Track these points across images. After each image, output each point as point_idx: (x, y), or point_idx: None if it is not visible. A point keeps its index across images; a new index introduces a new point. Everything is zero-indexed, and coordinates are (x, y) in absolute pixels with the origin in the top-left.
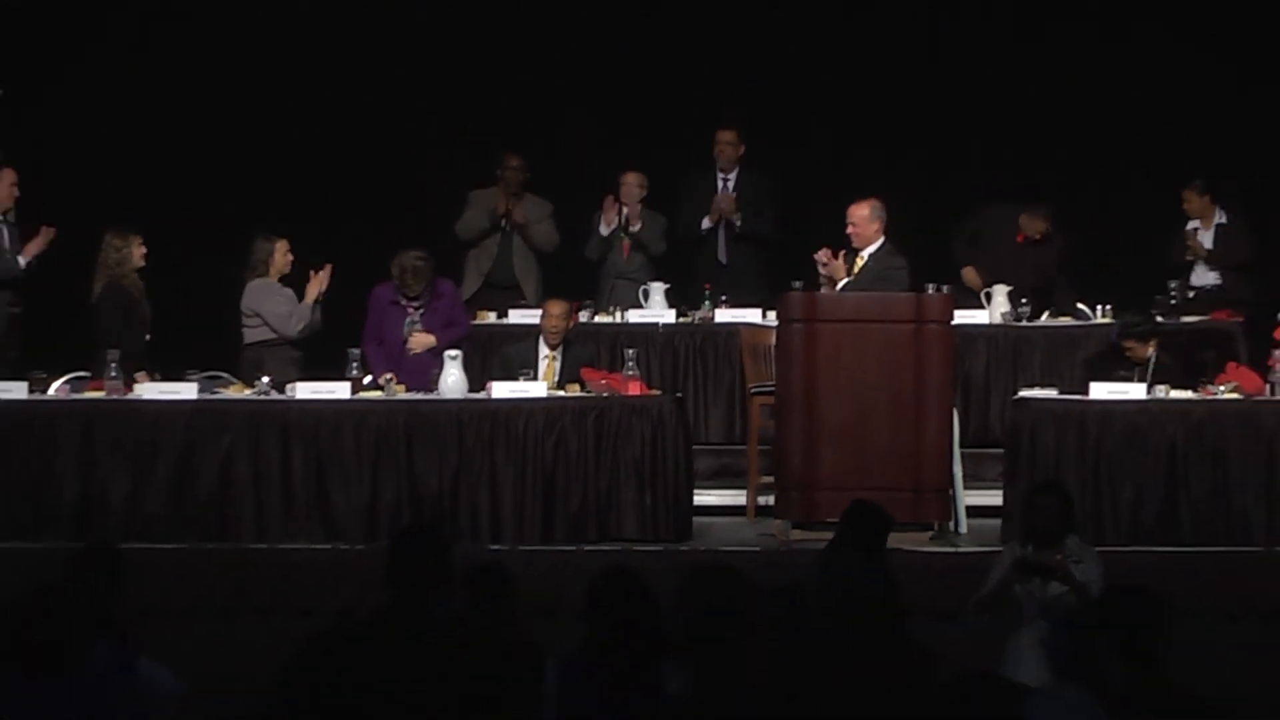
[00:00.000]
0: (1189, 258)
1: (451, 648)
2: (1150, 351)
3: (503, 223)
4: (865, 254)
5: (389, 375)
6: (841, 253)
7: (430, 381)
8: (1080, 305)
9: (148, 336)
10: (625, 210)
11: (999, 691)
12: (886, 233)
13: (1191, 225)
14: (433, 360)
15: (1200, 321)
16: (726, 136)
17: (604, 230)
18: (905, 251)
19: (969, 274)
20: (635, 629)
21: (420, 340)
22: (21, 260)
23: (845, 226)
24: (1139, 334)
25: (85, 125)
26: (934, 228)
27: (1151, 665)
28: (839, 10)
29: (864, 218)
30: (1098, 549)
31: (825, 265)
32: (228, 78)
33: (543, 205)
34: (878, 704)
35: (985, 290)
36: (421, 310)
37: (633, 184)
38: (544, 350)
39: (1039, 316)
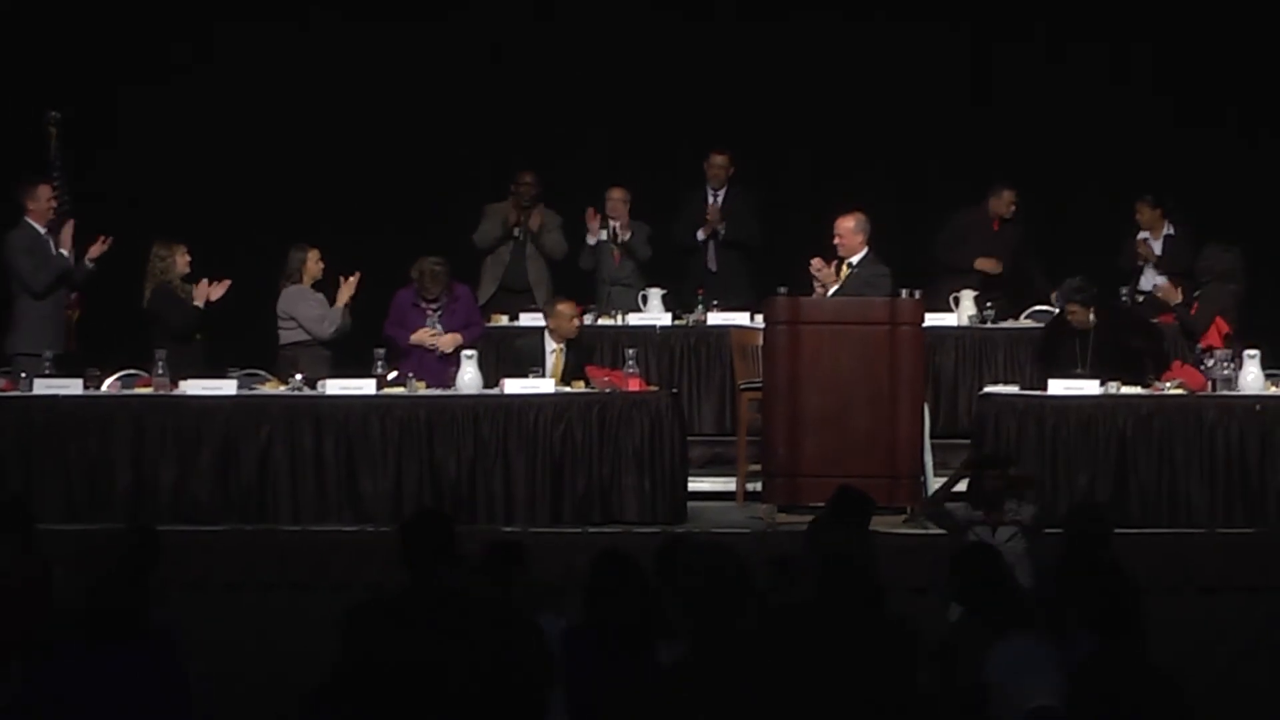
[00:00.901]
0: (1140, 263)
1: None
2: (1090, 318)
3: (515, 232)
4: (851, 263)
5: (410, 373)
6: (834, 262)
7: (448, 378)
8: (1053, 297)
9: (198, 336)
10: (615, 223)
11: None
12: (870, 243)
13: (1142, 235)
14: (451, 359)
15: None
16: (719, 160)
17: (591, 240)
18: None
19: (985, 263)
20: (629, 603)
21: (449, 340)
22: (88, 262)
23: (831, 238)
24: (1081, 299)
25: (137, 146)
26: (902, 237)
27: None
28: (819, 42)
29: (850, 230)
30: (1055, 530)
31: (819, 271)
32: (266, 103)
33: (553, 217)
34: (858, 663)
35: (954, 295)
36: (439, 312)
37: (618, 198)
38: (550, 345)
39: (1017, 315)
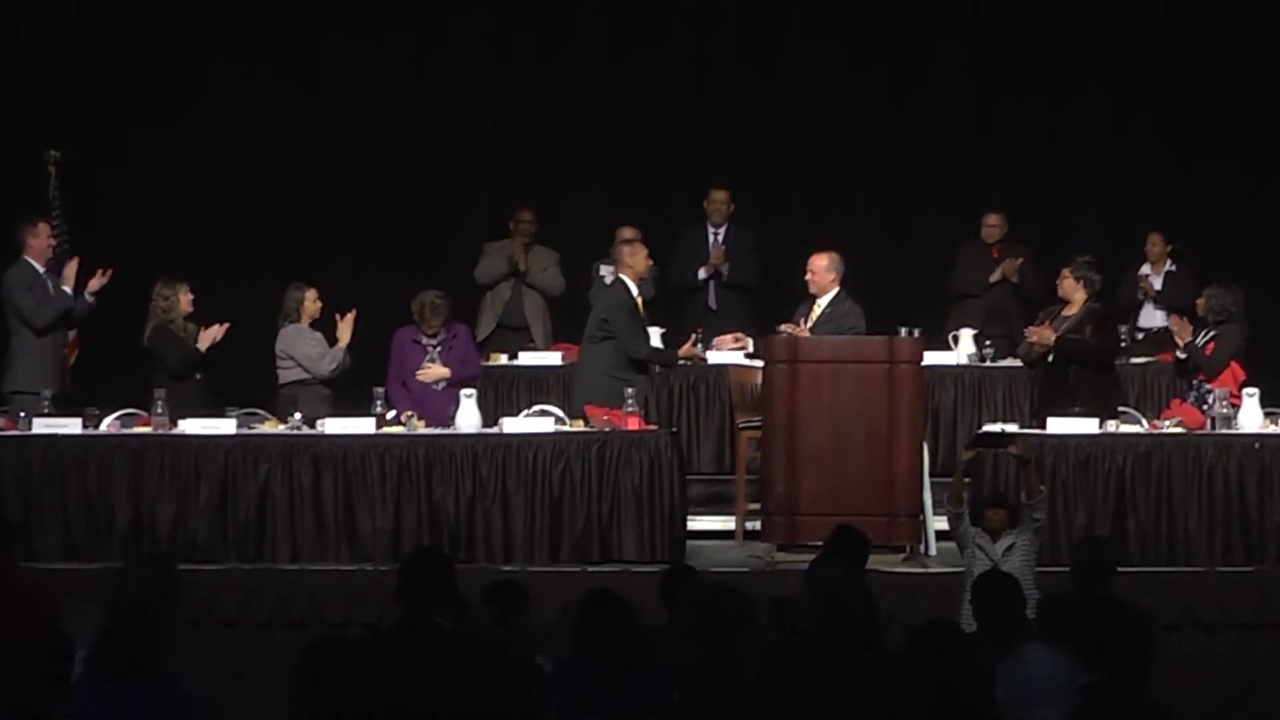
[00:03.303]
0: (1140, 296)
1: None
2: (1080, 296)
3: (518, 269)
4: (822, 302)
5: (410, 412)
6: (798, 322)
7: (448, 417)
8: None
9: (199, 376)
10: None
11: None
12: (842, 282)
13: (1143, 271)
14: (450, 398)
15: (1149, 362)
16: (720, 196)
17: (608, 278)
18: (875, 296)
19: (1007, 266)
20: (617, 637)
21: (434, 372)
22: (88, 296)
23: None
24: (1077, 273)
25: (135, 184)
26: (900, 274)
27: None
28: (814, 85)
29: (823, 268)
30: (1054, 568)
31: (791, 333)
32: (264, 141)
33: (550, 254)
34: (855, 695)
35: (954, 333)
36: (439, 348)
37: (626, 236)
38: (634, 289)
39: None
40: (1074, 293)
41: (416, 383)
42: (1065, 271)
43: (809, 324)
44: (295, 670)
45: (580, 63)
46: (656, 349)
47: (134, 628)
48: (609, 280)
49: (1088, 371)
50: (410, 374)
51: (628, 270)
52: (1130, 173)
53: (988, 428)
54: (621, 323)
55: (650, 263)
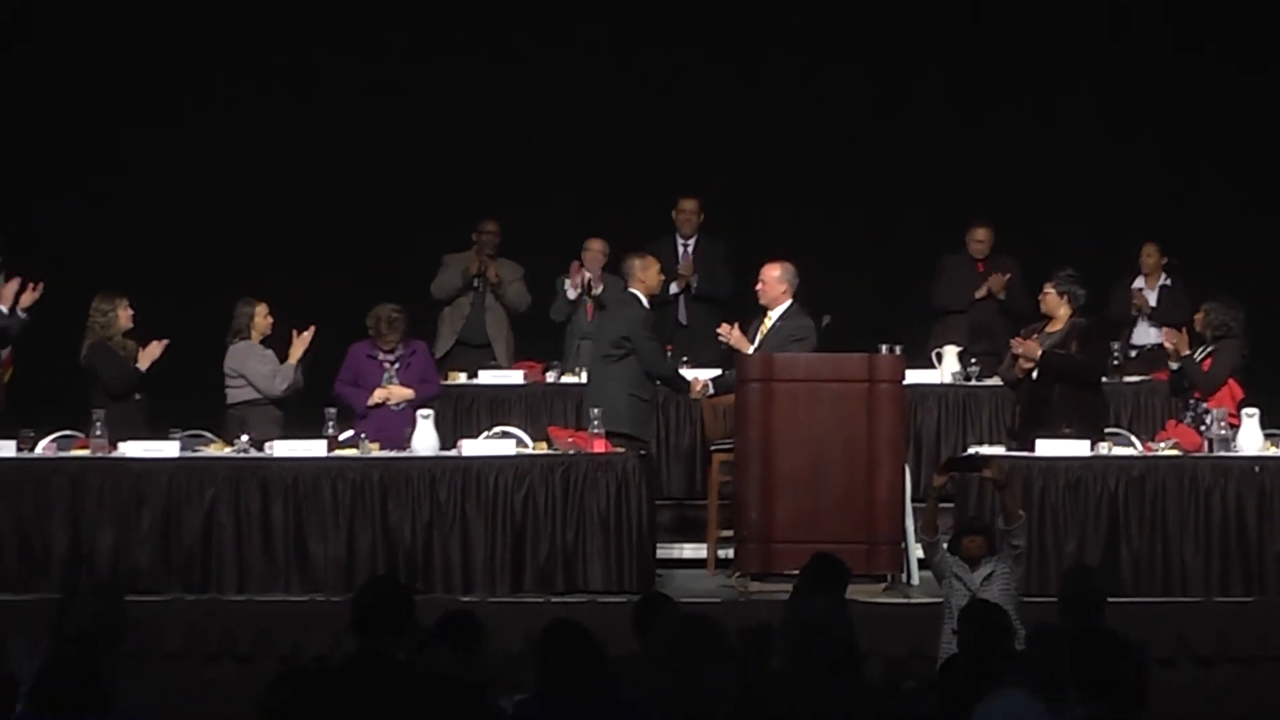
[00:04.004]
0: (1134, 312)
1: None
2: (1062, 312)
3: (475, 283)
4: (773, 315)
5: (363, 433)
6: (736, 324)
7: (404, 439)
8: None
9: (139, 396)
10: (588, 275)
11: None
12: (794, 294)
13: (1136, 285)
14: (406, 419)
15: (1142, 381)
16: (689, 205)
17: (571, 294)
18: (854, 311)
19: (993, 281)
20: (581, 670)
21: (397, 393)
22: (20, 313)
23: (804, 285)
24: (1059, 288)
25: (78, 195)
26: (881, 288)
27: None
28: (791, 87)
29: (774, 278)
30: (1042, 599)
31: (728, 336)
32: (211, 151)
33: (514, 268)
34: None
35: (937, 351)
36: (397, 365)
37: (597, 250)
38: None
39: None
40: (1058, 308)
41: (368, 394)
42: (1047, 286)
43: (759, 337)
44: (259, 704)
45: (545, 68)
46: (677, 370)
47: (78, 662)
48: (572, 295)
49: (1073, 390)
50: (364, 384)
51: (640, 285)
52: (1123, 182)
53: (973, 450)
54: (642, 339)
55: (663, 278)
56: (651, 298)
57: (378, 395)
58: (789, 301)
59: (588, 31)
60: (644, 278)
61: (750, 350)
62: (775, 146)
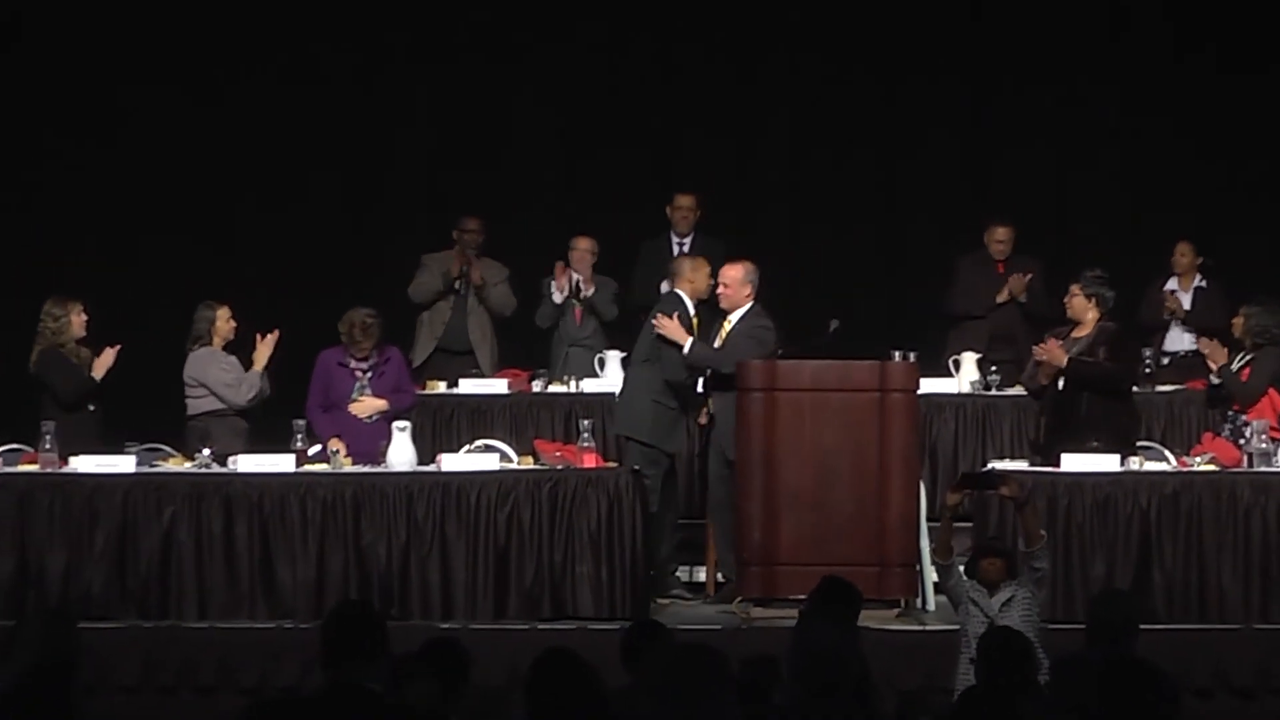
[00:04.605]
0: (1166, 316)
1: None
2: (1092, 316)
3: (456, 285)
4: (733, 318)
5: (336, 447)
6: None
7: (378, 454)
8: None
9: (92, 407)
10: (577, 276)
11: None
12: (757, 296)
13: (1169, 287)
14: (381, 431)
15: (1176, 390)
16: (686, 201)
17: (557, 297)
18: (864, 316)
19: (1014, 282)
20: (574, 704)
21: (369, 405)
22: None
23: (810, 287)
24: (1088, 290)
25: (29, 193)
26: (893, 291)
27: None
28: (791, 82)
29: (736, 279)
30: (1067, 626)
31: (660, 324)
32: (170, 146)
33: (498, 269)
34: None
35: (954, 358)
36: (370, 374)
37: (585, 249)
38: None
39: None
40: (1085, 312)
41: (344, 408)
42: (1074, 288)
43: (717, 344)
44: None
45: (530, 57)
46: (694, 388)
47: (36, 694)
48: (559, 299)
49: (1102, 399)
50: (336, 399)
51: (687, 286)
52: (1153, 175)
53: (993, 465)
54: (668, 344)
55: (711, 282)
56: (700, 301)
57: (354, 408)
58: (750, 304)
59: (576, 18)
60: (693, 279)
61: (688, 344)
62: (776, 139)
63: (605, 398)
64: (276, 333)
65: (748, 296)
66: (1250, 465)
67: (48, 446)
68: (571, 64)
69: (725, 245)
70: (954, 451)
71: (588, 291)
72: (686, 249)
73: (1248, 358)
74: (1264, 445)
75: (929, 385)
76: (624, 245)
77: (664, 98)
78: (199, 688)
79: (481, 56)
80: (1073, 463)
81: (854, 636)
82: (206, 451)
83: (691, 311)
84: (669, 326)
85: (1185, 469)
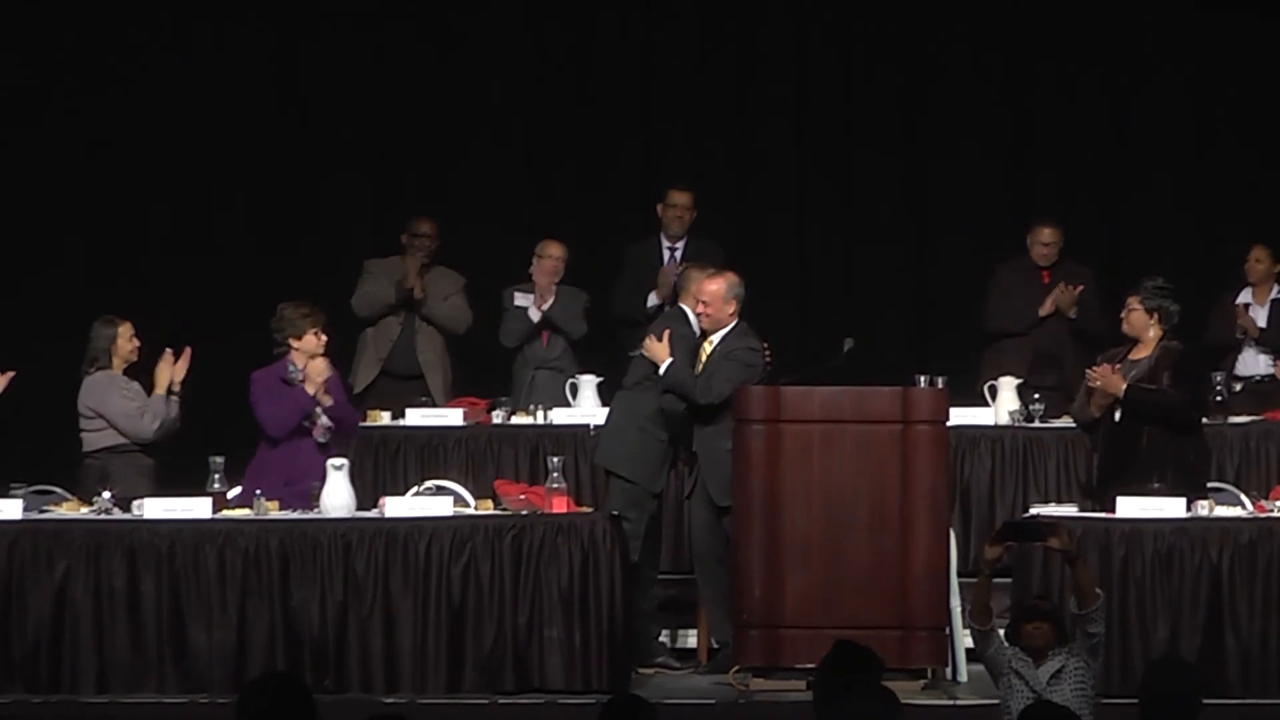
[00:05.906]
0: (1239, 334)
1: None
2: (1153, 334)
3: (411, 295)
4: (714, 339)
5: (258, 491)
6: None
7: (310, 496)
8: None
9: None
10: (538, 287)
11: None
12: (742, 312)
13: (1242, 299)
14: (318, 467)
15: (1252, 422)
16: (681, 199)
17: (534, 315)
18: (884, 335)
19: (1060, 294)
20: None
21: (315, 368)
22: None
23: (820, 300)
24: (1157, 305)
25: None
26: (918, 306)
27: None
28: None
29: (718, 295)
30: (1124, 700)
31: (647, 348)
32: (72, 148)
33: (453, 279)
34: None
35: (990, 384)
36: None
37: (556, 256)
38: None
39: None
40: (1145, 329)
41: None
42: (1132, 301)
43: (697, 369)
44: None
45: (490, 37)
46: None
47: None
48: (536, 316)
49: (1165, 433)
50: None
51: (692, 301)
52: (1220, 169)
53: (1035, 511)
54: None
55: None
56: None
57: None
58: (735, 322)
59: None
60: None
61: (664, 365)
62: (778, 133)
63: (578, 430)
64: (189, 351)
65: (731, 315)
66: None
67: None
68: (538, 36)
69: (723, 251)
70: (989, 494)
71: (545, 304)
72: (678, 254)
73: None
74: None
75: (960, 416)
76: (601, 250)
77: (649, 78)
78: None
79: (433, 43)
80: (1131, 507)
81: (896, 712)
82: (106, 494)
83: (698, 332)
84: (652, 347)
85: (1263, 514)
